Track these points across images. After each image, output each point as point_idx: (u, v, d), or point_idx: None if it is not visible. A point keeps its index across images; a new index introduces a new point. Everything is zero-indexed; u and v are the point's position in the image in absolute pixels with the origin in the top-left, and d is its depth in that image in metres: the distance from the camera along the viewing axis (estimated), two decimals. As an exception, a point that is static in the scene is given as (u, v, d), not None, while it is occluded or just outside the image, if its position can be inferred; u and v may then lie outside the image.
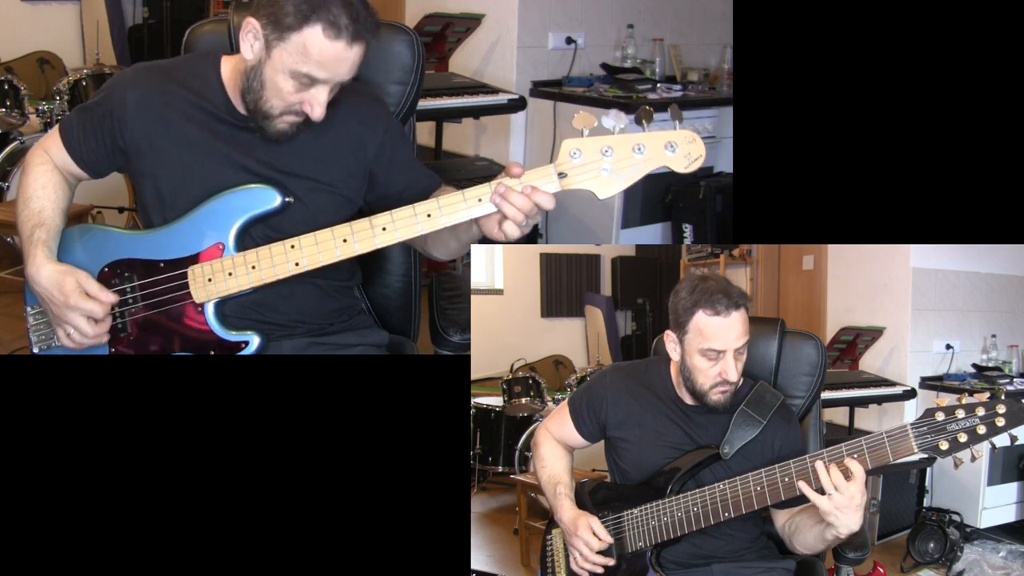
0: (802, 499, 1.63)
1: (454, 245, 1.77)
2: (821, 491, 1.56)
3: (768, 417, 1.77)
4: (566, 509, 1.84)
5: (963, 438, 1.51)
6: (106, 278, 1.73)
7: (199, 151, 1.73)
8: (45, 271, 1.68)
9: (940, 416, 1.52)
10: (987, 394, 1.52)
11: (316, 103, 1.64)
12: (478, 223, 1.63)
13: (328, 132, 1.76)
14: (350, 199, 1.79)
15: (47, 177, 1.78)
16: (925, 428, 1.53)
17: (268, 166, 1.73)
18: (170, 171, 1.73)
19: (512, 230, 1.58)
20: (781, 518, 1.82)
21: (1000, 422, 1.49)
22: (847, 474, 1.54)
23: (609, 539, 1.78)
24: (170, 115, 1.73)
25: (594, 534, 1.78)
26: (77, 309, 1.66)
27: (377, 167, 1.81)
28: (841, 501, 1.53)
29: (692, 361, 1.75)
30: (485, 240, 1.68)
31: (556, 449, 1.99)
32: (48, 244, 1.71)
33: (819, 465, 1.56)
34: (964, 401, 1.52)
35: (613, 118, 1.55)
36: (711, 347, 1.71)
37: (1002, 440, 1.52)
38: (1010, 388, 4.09)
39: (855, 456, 1.56)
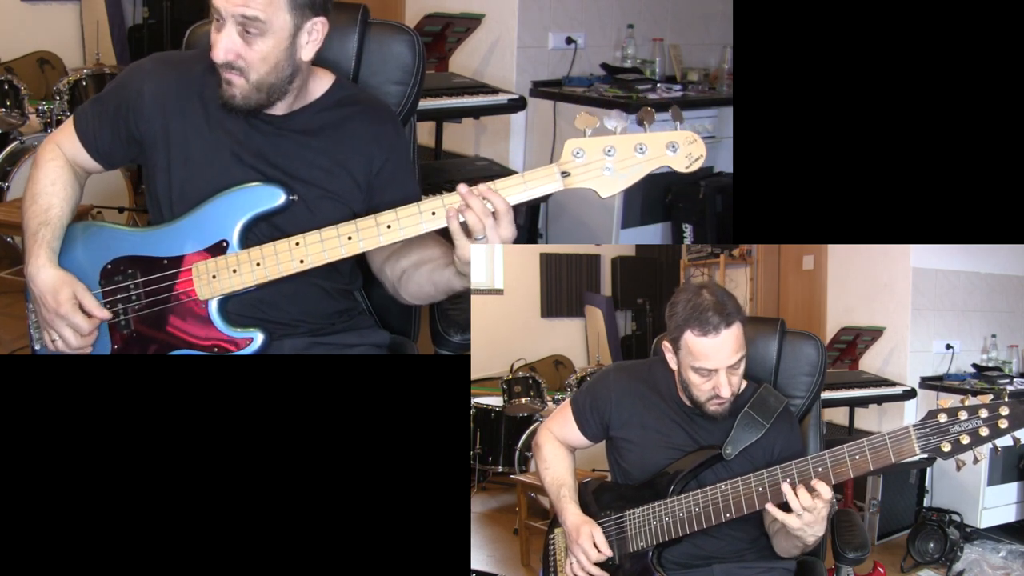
0: None
1: (428, 289, 1.75)
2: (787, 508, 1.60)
3: (771, 421, 1.77)
4: (570, 514, 1.84)
5: (965, 440, 1.50)
6: (109, 275, 1.73)
7: (211, 147, 1.73)
8: (44, 274, 1.68)
9: (943, 418, 1.52)
10: (990, 396, 1.52)
11: (215, 45, 1.63)
12: (456, 254, 1.61)
13: (339, 143, 1.77)
14: (354, 211, 1.78)
15: (57, 173, 1.77)
16: (927, 430, 1.52)
17: (278, 169, 1.73)
18: (181, 165, 1.74)
19: (472, 239, 1.56)
20: (768, 518, 1.82)
21: (1003, 424, 1.49)
22: (815, 494, 1.58)
23: (608, 552, 1.78)
24: (186, 108, 1.73)
25: (594, 544, 1.78)
26: (65, 319, 1.66)
27: (375, 183, 1.79)
28: (809, 519, 1.58)
29: (686, 375, 1.76)
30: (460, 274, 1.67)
31: (559, 450, 1.98)
32: (52, 245, 1.71)
33: (786, 488, 1.59)
34: (967, 403, 1.51)
35: (615, 119, 1.56)
36: (702, 366, 1.71)
37: (1003, 440, 1.52)
38: (1010, 388, 4.09)
39: (857, 457, 1.56)
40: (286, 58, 1.66)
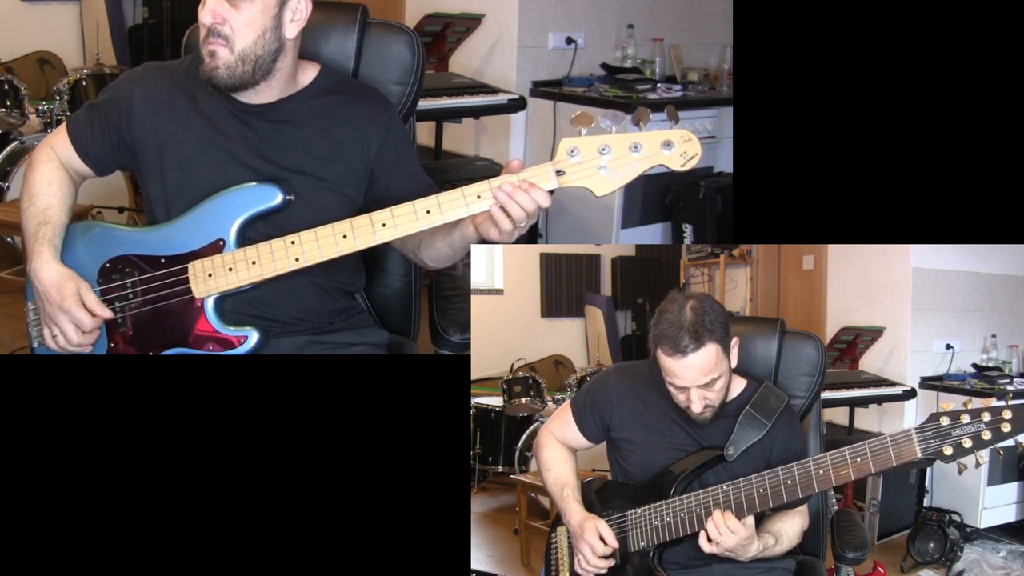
0: (802, 501, 1.68)
1: (446, 251, 1.76)
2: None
3: (773, 420, 1.77)
4: (574, 512, 1.85)
5: (968, 443, 1.49)
6: (107, 273, 1.74)
7: (204, 147, 1.74)
8: (48, 270, 1.69)
9: (945, 421, 1.51)
10: (993, 399, 1.51)
11: (202, 9, 1.66)
12: (475, 226, 1.63)
13: (332, 131, 1.77)
14: (352, 198, 1.80)
15: (52, 175, 1.79)
16: (930, 433, 1.52)
17: (272, 163, 1.74)
18: (175, 167, 1.75)
19: (509, 228, 1.58)
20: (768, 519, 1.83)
21: (1006, 428, 1.48)
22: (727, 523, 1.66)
23: (615, 544, 1.78)
24: (177, 111, 1.75)
25: (601, 538, 1.78)
26: (68, 315, 1.67)
27: (378, 167, 1.80)
28: (729, 545, 1.65)
29: (665, 383, 1.76)
30: (483, 241, 1.68)
31: (560, 451, 1.98)
32: (54, 242, 1.72)
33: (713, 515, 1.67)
34: (969, 406, 1.51)
35: (610, 118, 1.57)
36: (672, 382, 1.73)
37: (1004, 441, 1.51)
38: (1011, 388, 4.09)
39: (858, 459, 1.56)
40: (272, 28, 1.68)
